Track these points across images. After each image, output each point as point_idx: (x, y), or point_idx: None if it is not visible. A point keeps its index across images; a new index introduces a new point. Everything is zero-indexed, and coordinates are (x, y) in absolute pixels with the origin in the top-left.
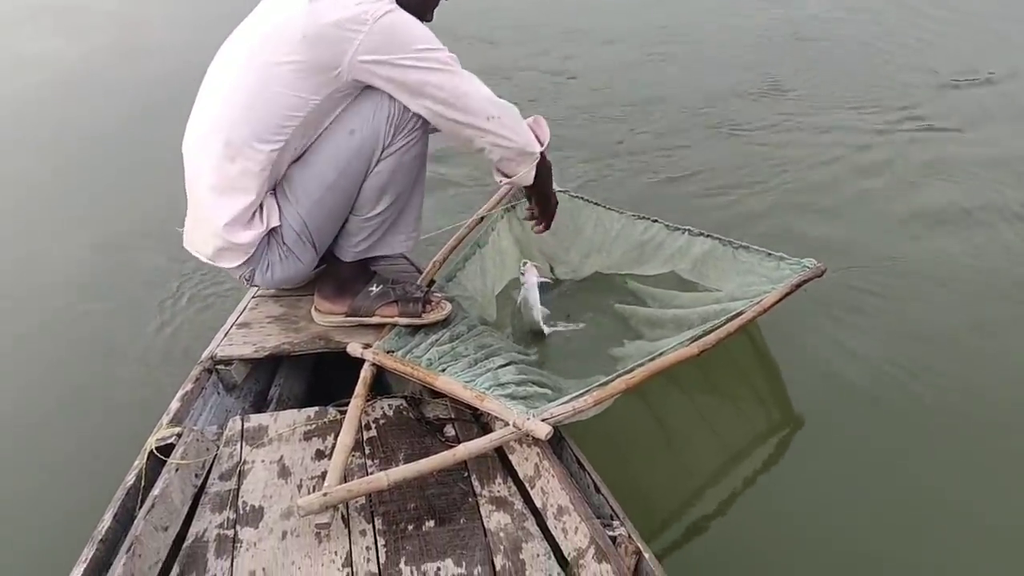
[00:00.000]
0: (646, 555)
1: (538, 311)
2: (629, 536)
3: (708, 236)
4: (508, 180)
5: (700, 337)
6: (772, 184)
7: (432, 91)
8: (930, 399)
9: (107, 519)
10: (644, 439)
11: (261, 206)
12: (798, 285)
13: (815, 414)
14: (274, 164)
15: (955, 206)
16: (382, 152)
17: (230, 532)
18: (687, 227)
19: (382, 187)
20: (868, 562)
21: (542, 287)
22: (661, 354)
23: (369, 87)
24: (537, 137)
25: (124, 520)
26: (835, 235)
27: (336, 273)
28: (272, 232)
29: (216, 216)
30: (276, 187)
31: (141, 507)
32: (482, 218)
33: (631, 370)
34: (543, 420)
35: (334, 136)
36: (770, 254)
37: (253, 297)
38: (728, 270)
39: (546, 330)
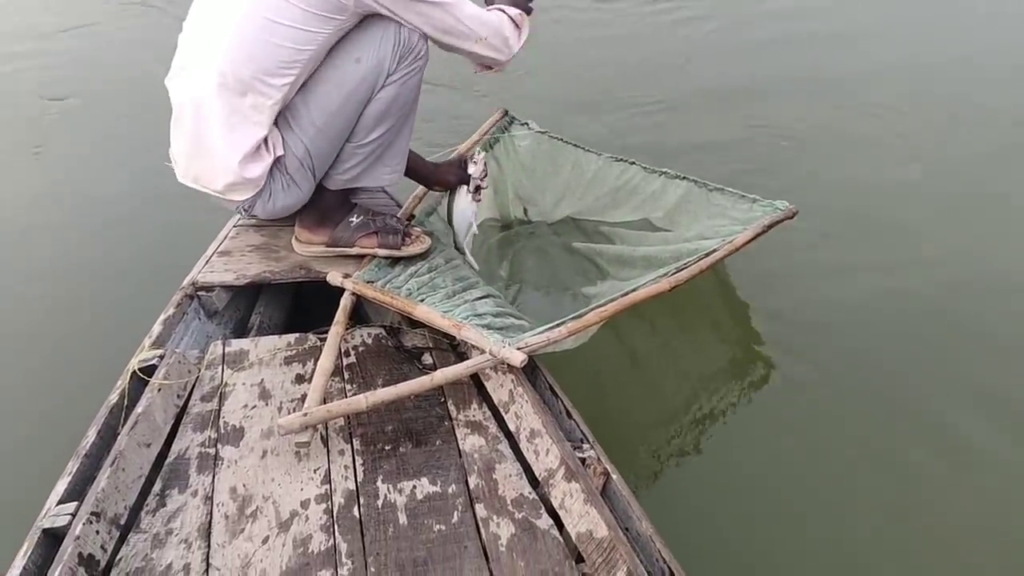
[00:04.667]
0: (614, 476)
1: (469, 225)
2: (598, 458)
3: (684, 178)
4: (486, 72)
5: (672, 274)
6: None
7: (428, 23)
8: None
9: (91, 435)
10: (615, 372)
11: (266, 138)
12: (770, 226)
13: (780, 356)
14: (284, 96)
15: None
16: (386, 79)
17: (211, 450)
18: (664, 169)
19: (380, 114)
20: (818, 497)
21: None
22: (634, 290)
23: (373, 16)
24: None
25: (107, 437)
26: None
27: (319, 203)
28: (276, 161)
29: (229, 151)
30: (278, 117)
31: (124, 425)
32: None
33: (604, 304)
34: (518, 349)
35: (339, 64)
36: (743, 196)
37: (234, 226)
38: (700, 214)
39: (467, 248)
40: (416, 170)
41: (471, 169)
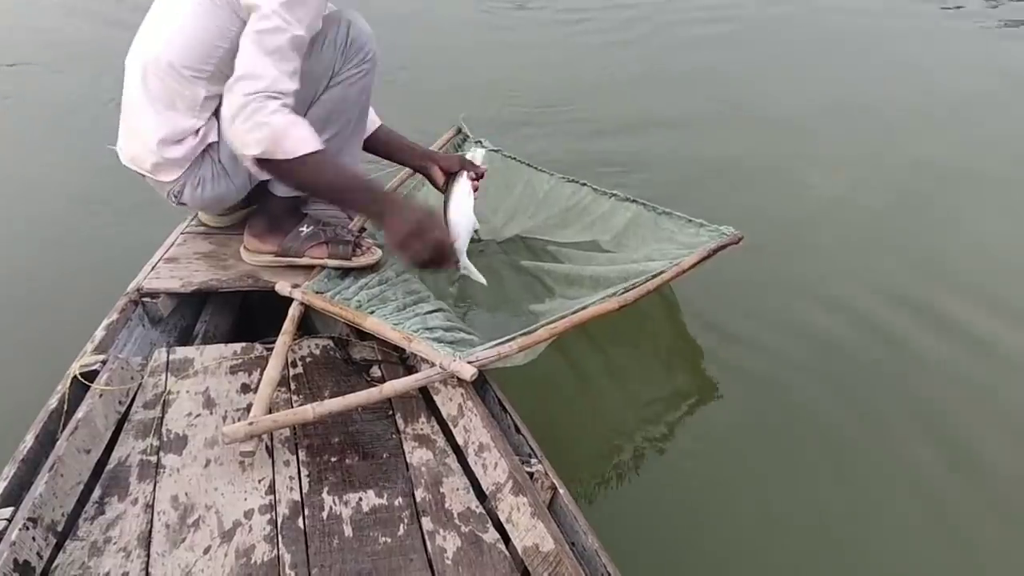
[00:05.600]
0: (561, 490)
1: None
2: (546, 473)
3: (633, 201)
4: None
5: (620, 294)
6: None
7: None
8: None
9: (29, 440)
10: (564, 389)
11: (199, 127)
12: (715, 250)
13: (723, 376)
14: (206, 84)
15: None
16: (329, 80)
17: (153, 458)
18: (614, 192)
19: (325, 117)
20: (761, 513)
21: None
22: (583, 308)
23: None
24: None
25: (46, 442)
26: None
27: (268, 211)
28: (209, 147)
29: (150, 130)
30: (219, 106)
31: (63, 430)
32: None
33: (554, 320)
34: (469, 363)
35: None
36: (691, 221)
37: (182, 233)
38: (648, 238)
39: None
40: (410, 152)
41: (470, 155)
